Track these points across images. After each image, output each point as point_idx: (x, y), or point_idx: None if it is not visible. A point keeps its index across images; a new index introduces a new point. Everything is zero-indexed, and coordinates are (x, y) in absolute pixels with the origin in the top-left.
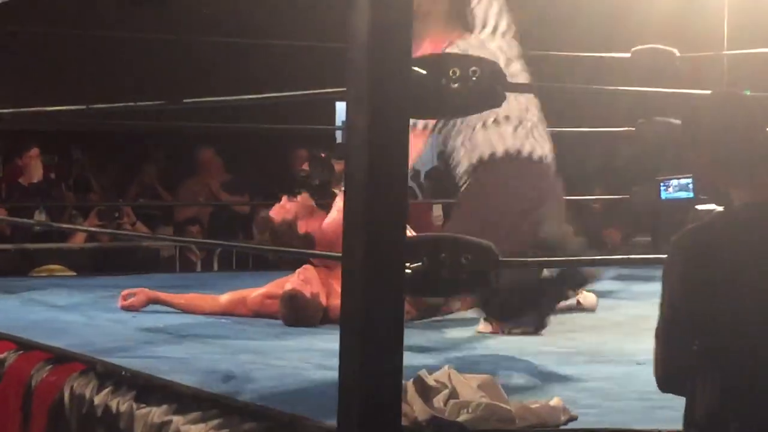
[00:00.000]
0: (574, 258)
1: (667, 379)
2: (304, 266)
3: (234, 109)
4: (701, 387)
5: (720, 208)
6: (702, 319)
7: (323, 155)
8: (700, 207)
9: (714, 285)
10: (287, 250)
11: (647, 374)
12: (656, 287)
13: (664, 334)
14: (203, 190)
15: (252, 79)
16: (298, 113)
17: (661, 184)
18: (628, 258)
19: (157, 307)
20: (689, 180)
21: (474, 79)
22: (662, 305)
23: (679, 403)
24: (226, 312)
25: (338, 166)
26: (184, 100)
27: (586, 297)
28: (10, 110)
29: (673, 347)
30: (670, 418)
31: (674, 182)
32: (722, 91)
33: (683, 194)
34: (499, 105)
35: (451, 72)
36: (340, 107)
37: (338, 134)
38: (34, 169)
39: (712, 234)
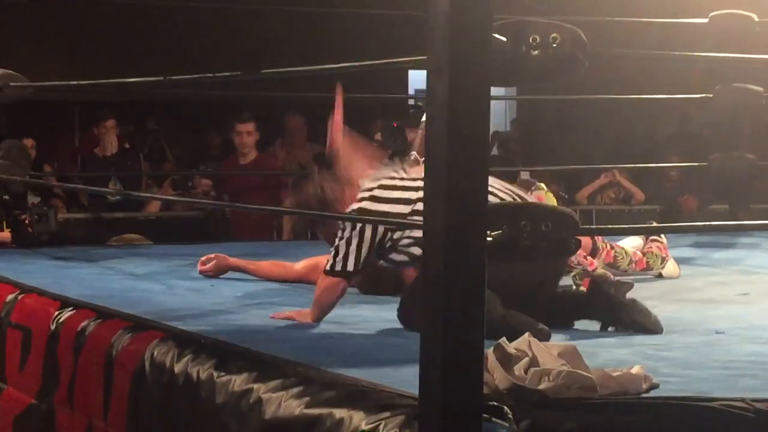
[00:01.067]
0: (657, 225)
1: None
2: None
3: (308, 80)
4: None
5: None
6: None
7: (396, 125)
8: None
9: None
10: (359, 218)
11: (728, 343)
12: (734, 254)
13: None
14: (289, 160)
15: (322, 47)
16: (370, 84)
17: None
18: (708, 224)
19: (235, 275)
20: None
21: (554, 45)
22: None
23: (763, 371)
24: (302, 279)
25: (411, 134)
26: (262, 71)
27: (667, 268)
28: (89, 81)
29: None
30: (754, 386)
31: None
32: None
33: None
34: (580, 72)
35: (531, 39)
36: (413, 76)
37: (411, 103)
38: (110, 141)
39: None
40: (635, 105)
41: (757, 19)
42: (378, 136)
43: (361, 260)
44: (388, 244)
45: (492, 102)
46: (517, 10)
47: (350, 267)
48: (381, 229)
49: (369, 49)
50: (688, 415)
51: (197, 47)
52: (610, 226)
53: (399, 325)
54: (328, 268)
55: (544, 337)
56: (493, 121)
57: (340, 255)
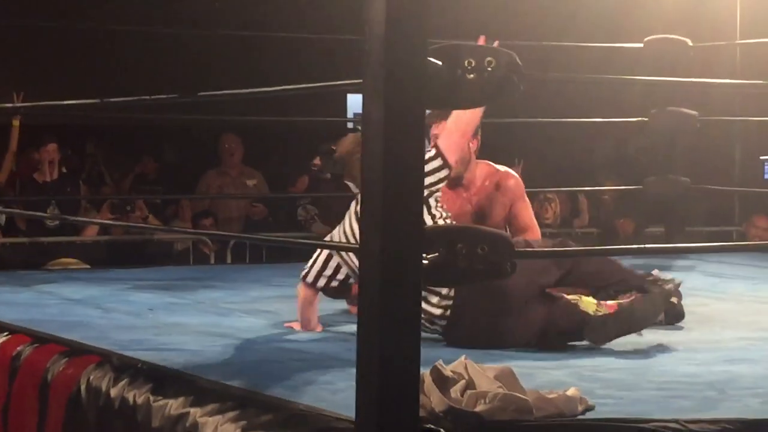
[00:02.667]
0: (591, 248)
1: None
2: None
3: (245, 104)
4: None
5: None
6: None
7: (334, 148)
8: None
9: None
10: (305, 242)
11: (663, 364)
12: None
13: None
14: (226, 182)
15: (261, 72)
16: (310, 108)
17: (765, 164)
18: (643, 248)
19: (174, 299)
20: None
21: (489, 69)
22: None
23: (696, 391)
24: None
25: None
26: (199, 94)
27: None
28: (27, 104)
29: None
30: (687, 408)
31: None
32: None
33: None
34: (515, 95)
35: (466, 62)
36: (352, 99)
37: (350, 126)
38: (51, 166)
39: None
40: (573, 128)
41: (691, 44)
42: (317, 161)
43: (324, 274)
44: None
45: None
46: (453, 34)
47: (310, 278)
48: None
49: (309, 72)
50: None
51: (139, 71)
52: (548, 249)
53: (337, 348)
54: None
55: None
56: None
57: (309, 263)
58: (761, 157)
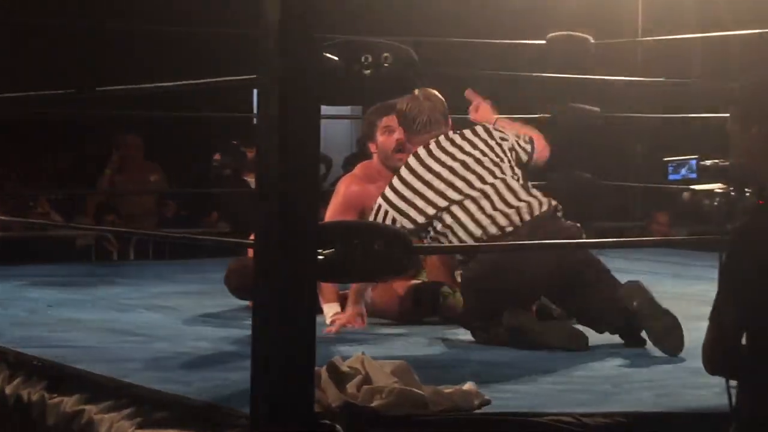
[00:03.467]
0: (495, 243)
1: (721, 362)
2: None
3: (159, 98)
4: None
5: (717, 188)
6: None
7: (235, 143)
8: (696, 186)
9: None
10: (208, 239)
11: (561, 359)
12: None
13: (726, 318)
14: (125, 179)
15: (171, 67)
16: (221, 103)
17: (669, 165)
18: (550, 243)
19: (73, 296)
20: (694, 161)
21: (386, 65)
22: (725, 289)
23: (592, 385)
24: None
25: (251, 153)
26: (97, 88)
27: None
28: None
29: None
30: (585, 401)
31: (681, 163)
32: None
33: (688, 174)
34: (410, 92)
35: (363, 58)
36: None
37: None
38: None
39: None
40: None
41: (593, 41)
42: (217, 156)
43: None
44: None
45: (337, 121)
46: (352, 29)
47: None
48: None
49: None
50: (518, 431)
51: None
52: (446, 245)
53: (236, 344)
54: None
55: (583, 346)
56: (339, 141)
57: None
58: (664, 159)
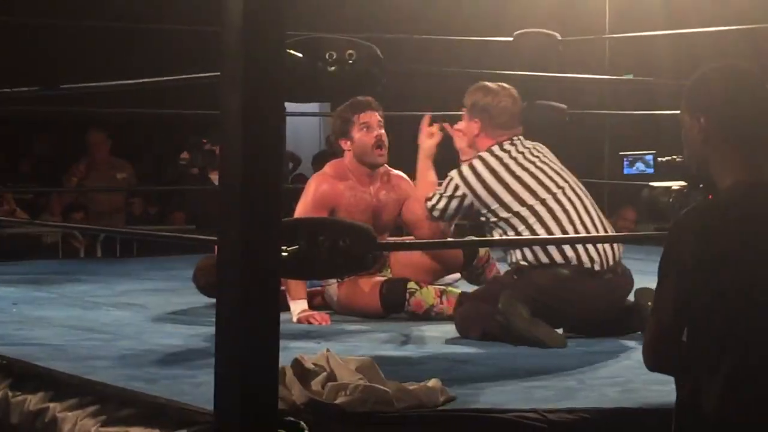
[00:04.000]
0: (465, 240)
1: (661, 358)
2: None
3: (120, 96)
4: (711, 368)
5: (674, 185)
6: (719, 299)
7: (204, 141)
8: (654, 183)
9: (730, 263)
10: (174, 236)
11: (525, 356)
12: None
13: (665, 314)
14: (93, 176)
15: (137, 64)
16: (188, 100)
17: (624, 159)
18: (519, 239)
19: (39, 293)
20: (651, 156)
21: (350, 62)
22: (664, 284)
23: (557, 381)
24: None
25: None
26: (61, 86)
27: None
28: None
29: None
30: (548, 397)
31: (636, 158)
32: (729, 63)
33: (644, 169)
34: (376, 89)
35: (327, 55)
36: None
37: None
38: None
39: (722, 213)
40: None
41: (560, 38)
42: (185, 154)
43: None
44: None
45: (306, 119)
46: (316, 26)
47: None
48: None
49: (192, 64)
50: (482, 427)
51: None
52: (408, 242)
53: (202, 341)
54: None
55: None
56: (308, 139)
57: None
58: (620, 153)
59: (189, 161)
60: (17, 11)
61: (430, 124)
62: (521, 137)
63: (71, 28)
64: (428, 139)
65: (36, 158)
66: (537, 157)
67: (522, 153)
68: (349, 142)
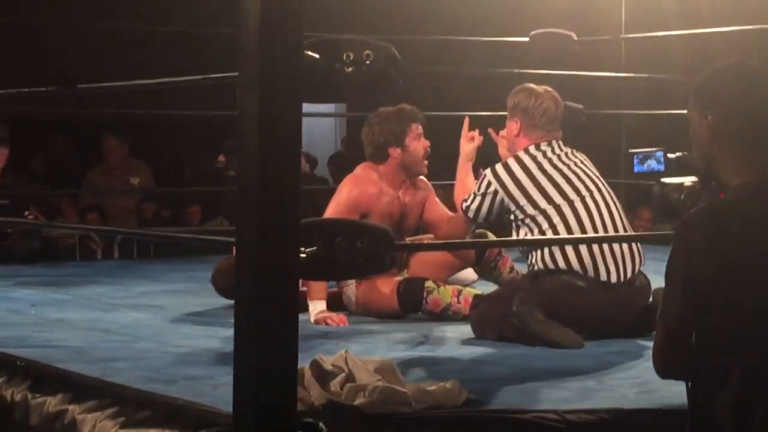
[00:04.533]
0: (484, 240)
1: (671, 364)
2: None
3: (137, 97)
4: (722, 373)
5: (686, 181)
6: (728, 303)
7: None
8: (666, 180)
9: (738, 267)
10: (192, 237)
11: (545, 356)
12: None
13: (673, 320)
14: (108, 181)
15: (155, 66)
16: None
17: (635, 157)
18: (528, 239)
19: (57, 295)
20: (661, 152)
21: (368, 62)
22: (671, 288)
23: (576, 382)
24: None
25: None
26: (78, 86)
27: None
28: None
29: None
30: (566, 398)
31: (647, 155)
32: (739, 61)
33: (655, 166)
34: (393, 89)
35: (344, 56)
36: None
37: None
38: None
39: (730, 216)
40: (457, 122)
41: (576, 38)
42: (221, 158)
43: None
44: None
45: (321, 120)
46: (334, 28)
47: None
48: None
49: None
50: (501, 428)
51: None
52: (427, 243)
53: (220, 343)
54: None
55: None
56: (324, 140)
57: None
58: (630, 150)
59: (226, 164)
60: (28, 12)
61: (470, 129)
62: (560, 141)
63: (86, 29)
64: (468, 144)
65: (49, 159)
66: (572, 160)
67: (558, 155)
68: (399, 150)
